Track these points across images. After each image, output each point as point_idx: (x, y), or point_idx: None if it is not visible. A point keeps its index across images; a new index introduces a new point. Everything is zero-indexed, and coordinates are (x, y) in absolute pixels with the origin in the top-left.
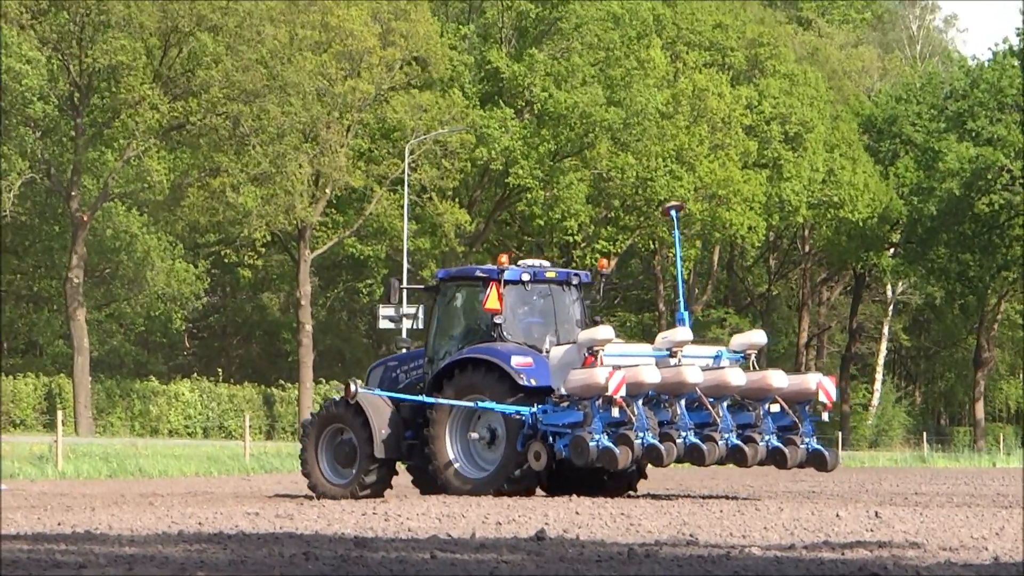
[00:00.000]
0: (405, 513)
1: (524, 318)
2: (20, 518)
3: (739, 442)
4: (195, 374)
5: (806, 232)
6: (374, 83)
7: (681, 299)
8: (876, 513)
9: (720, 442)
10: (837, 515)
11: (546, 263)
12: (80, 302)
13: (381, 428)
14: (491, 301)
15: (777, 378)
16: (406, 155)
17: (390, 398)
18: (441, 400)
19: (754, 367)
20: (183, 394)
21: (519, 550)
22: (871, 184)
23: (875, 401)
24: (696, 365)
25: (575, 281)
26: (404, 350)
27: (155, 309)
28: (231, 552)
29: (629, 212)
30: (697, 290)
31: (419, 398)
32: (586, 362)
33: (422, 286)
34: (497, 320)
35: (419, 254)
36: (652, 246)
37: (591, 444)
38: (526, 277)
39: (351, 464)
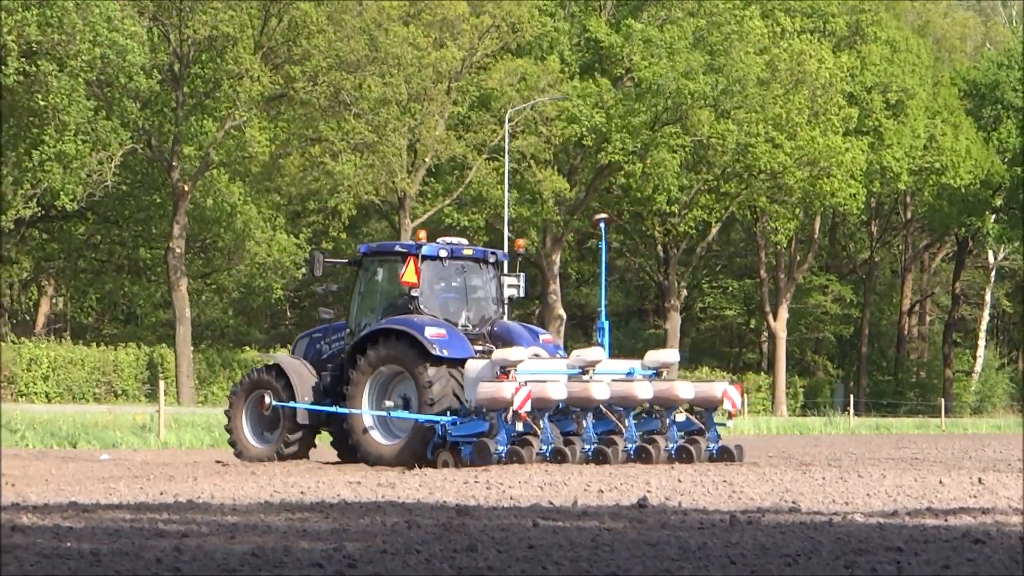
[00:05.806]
0: (507, 481)
1: (441, 293)
2: (123, 487)
3: (644, 444)
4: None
5: (908, 198)
6: (465, 50)
7: (602, 309)
8: (979, 479)
9: (623, 447)
10: (940, 482)
11: (464, 241)
12: (182, 272)
13: (304, 395)
14: (408, 275)
15: (683, 389)
16: (506, 123)
17: (312, 365)
18: (355, 411)
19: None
20: None
21: (621, 517)
22: (973, 150)
23: (978, 367)
24: (605, 381)
25: (491, 259)
26: (327, 322)
27: (255, 279)
28: (333, 521)
29: (729, 180)
30: (799, 256)
31: (336, 409)
32: (499, 379)
33: (345, 260)
34: (414, 293)
35: (519, 222)
36: (753, 214)
37: (493, 453)
38: (443, 253)
39: (274, 429)
